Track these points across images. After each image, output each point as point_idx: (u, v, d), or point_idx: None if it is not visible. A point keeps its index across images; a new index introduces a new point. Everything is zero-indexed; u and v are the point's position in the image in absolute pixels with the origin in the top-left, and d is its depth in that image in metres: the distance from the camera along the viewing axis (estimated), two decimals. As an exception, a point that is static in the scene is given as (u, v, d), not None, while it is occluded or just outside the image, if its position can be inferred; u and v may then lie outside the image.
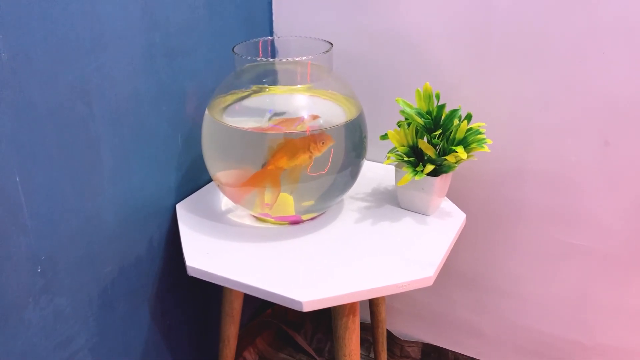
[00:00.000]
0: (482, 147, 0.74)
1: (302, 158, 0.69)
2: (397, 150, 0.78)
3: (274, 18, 0.97)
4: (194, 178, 0.87)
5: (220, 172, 0.74)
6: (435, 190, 0.77)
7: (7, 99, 0.56)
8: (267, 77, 0.76)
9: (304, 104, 0.75)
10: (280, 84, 0.77)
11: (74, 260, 0.68)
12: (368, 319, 1.06)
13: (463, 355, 1.07)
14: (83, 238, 0.69)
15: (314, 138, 0.69)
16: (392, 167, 0.86)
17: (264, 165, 0.70)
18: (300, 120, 0.70)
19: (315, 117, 0.71)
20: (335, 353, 0.73)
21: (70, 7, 0.60)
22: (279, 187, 0.71)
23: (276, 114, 0.73)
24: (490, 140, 0.76)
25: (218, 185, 0.77)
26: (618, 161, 0.81)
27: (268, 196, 0.72)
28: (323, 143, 0.69)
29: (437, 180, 0.76)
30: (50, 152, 0.62)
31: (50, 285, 0.65)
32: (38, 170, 0.61)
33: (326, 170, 0.71)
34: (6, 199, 0.58)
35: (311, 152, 0.68)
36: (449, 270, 1.00)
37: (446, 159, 0.74)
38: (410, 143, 0.78)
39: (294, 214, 0.75)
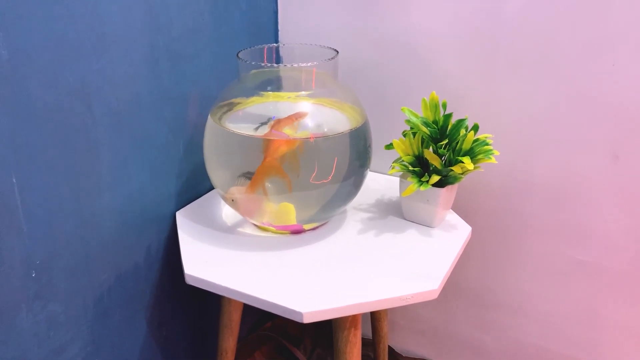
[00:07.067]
0: (489, 158, 0.73)
1: (290, 141, 0.69)
2: (402, 160, 0.76)
3: (279, 25, 0.96)
4: (195, 185, 0.85)
5: (232, 189, 0.73)
6: (441, 202, 0.75)
7: (5, 97, 0.55)
8: (271, 84, 0.75)
9: (308, 111, 0.74)
10: (284, 91, 0.76)
11: (70, 266, 0.67)
12: (370, 335, 1.04)
13: (466, 373, 1.05)
14: (79, 243, 0.67)
15: (288, 119, 0.70)
16: (397, 179, 0.85)
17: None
18: (293, 118, 0.70)
19: (302, 115, 0.71)
20: (336, 367, 0.71)
21: (73, 6, 0.60)
22: (284, 174, 0.69)
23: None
24: (498, 151, 0.74)
25: (229, 203, 0.75)
26: (628, 176, 0.79)
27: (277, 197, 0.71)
28: (296, 119, 0.70)
29: (442, 191, 0.74)
30: (48, 153, 0.61)
31: (44, 290, 0.64)
32: (35, 171, 0.60)
33: (329, 178, 0.69)
34: (2, 201, 0.57)
35: (294, 131, 0.69)
36: (453, 285, 0.98)
37: (452, 170, 0.73)
38: (416, 153, 0.76)
39: (295, 223, 0.74)
